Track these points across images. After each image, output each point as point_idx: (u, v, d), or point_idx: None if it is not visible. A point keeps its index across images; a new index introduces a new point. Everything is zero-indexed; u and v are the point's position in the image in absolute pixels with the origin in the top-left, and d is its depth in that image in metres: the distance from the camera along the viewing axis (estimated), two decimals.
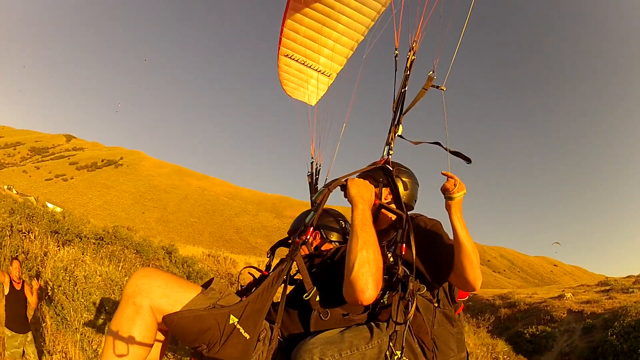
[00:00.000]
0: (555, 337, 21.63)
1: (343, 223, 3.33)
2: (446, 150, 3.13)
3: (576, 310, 22.94)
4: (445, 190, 2.68)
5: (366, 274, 2.13)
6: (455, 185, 2.65)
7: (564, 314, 23.37)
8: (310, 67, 5.36)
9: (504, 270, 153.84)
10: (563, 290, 29.38)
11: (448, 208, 2.66)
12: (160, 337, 2.35)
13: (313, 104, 5.67)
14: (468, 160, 3.06)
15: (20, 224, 11.85)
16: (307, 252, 3.02)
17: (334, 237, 3.26)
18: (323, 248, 3.20)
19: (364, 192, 2.56)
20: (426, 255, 2.68)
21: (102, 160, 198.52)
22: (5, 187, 50.97)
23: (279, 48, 5.28)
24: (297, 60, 5.34)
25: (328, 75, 5.44)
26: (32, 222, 12.65)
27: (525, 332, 22.79)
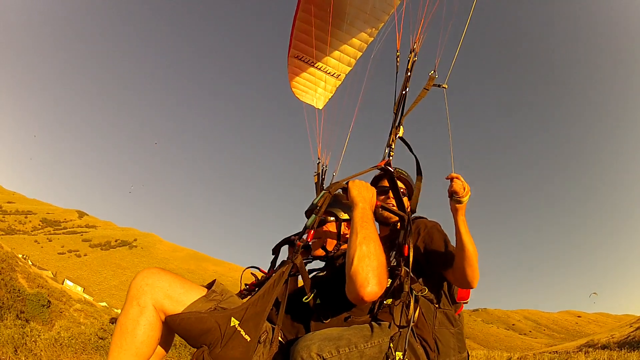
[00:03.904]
0: None
1: None
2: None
3: None
4: (454, 193, 2.68)
5: (366, 268, 2.11)
6: (464, 188, 2.67)
7: None
8: (319, 68, 5.39)
9: (530, 331, 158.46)
10: (631, 325, 37.47)
11: (454, 211, 2.70)
12: (166, 334, 2.35)
13: (320, 107, 5.67)
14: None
15: None
16: (323, 253, 2.97)
17: (344, 215, 3.02)
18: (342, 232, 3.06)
19: (365, 193, 2.58)
20: (427, 256, 2.82)
21: (116, 240, 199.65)
22: (21, 255, 50.91)
23: (289, 49, 5.31)
24: (307, 62, 5.37)
25: (337, 76, 5.46)
26: None
27: None
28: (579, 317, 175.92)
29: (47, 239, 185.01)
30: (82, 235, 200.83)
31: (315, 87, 5.61)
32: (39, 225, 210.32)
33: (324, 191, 2.65)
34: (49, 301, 25.54)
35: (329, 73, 5.41)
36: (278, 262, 2.81)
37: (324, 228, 2.96)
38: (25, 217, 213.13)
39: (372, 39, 5.13)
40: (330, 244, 2.94)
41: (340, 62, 5.32)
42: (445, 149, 3.20)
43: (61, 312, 28.28)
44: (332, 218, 2.95)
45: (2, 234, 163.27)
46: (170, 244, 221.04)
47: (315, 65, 5.35)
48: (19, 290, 24.59)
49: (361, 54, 5.28)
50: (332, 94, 5.62)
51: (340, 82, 5.51)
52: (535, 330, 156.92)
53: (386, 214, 3.11)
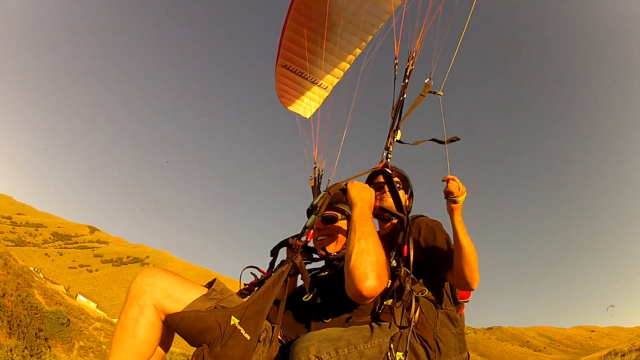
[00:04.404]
0: None
1: None
2: (442, 142, 3.26)
3: None
4: (449, 193, 2.71)
5: (364, 263, 2.10)
6: (459, 188, 2.70)
7: None
8: (308, 79, 5.38)
9: (545, 348, 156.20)
10: None
11: (450, 211, 2.72)
12: (166, 334, 2.34)
13: (308, 117, 5.66)
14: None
15: None
16: (324, 254, 2.93)
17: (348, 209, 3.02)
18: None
19: (364, 194, 2.58)
20: (427, 256, 2.82)
21: (128, 257, 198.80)
22: (32, 268, 50.77)
23: (278, 58, 5.31)
24: (294, 72, 5.36)
25: (325, 87, 5.44)
26: None
27: None
28: (592, 331, 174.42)
29: (58, 252, 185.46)
30: (93, 250, 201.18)
31: (303, 97, 5.61)
32: (50, 238, 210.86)
33: (323, 192, 2.64)
34: (68, 319, 25.01)
35: (317, 84, 5.42)
36: (277, 264, 2.83)
37: (336, 225, 2.93)
38: (36, 230, 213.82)
39: (361, 51, 5.18)
40: (340, 242, 2.91)
41: (328, 73, 5.34)
42: (442, 152, 3.22)
43: (81, 331, 27.60)
44: (343, 216, 2.93)
45: (13, 245, 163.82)
46: (181, 262, 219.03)
47: (304, 76, 5.36)
48: (36, 307, 23.87)
49: (349, 66, 5.31)
50: (319, 105, 5.61)
51: (327, 94, 5.51)
52: (550, 347, 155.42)
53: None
